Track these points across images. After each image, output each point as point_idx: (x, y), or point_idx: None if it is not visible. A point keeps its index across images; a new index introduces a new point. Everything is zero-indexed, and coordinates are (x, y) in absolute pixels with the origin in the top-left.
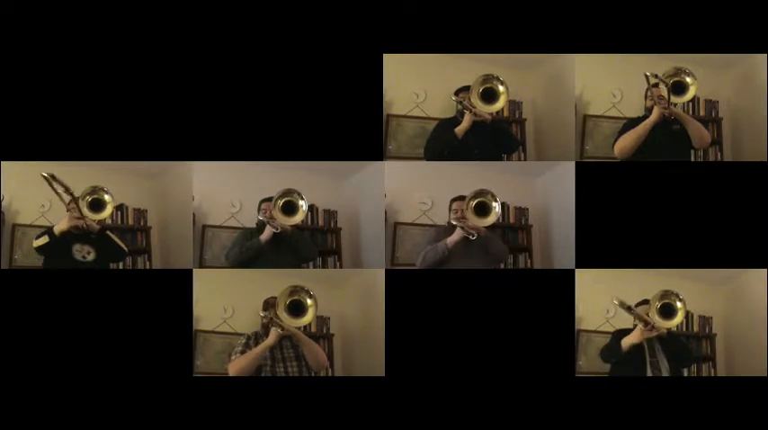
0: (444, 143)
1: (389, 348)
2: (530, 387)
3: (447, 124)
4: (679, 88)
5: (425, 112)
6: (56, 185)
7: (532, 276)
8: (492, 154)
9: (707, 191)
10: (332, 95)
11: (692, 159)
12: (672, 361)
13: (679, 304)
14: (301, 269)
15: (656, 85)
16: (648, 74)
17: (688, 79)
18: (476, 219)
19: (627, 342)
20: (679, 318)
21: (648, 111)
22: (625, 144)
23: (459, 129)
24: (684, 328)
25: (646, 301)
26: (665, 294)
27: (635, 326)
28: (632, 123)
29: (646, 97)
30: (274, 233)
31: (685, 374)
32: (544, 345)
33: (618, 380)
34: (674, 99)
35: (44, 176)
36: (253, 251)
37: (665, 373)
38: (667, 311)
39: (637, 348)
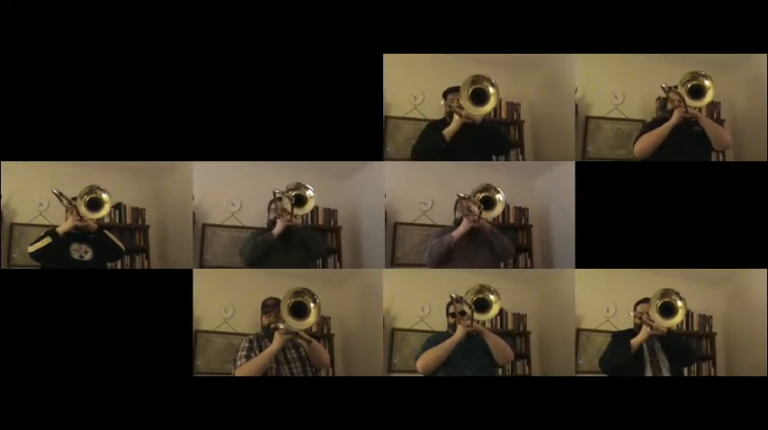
0: (432, 145)
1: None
2: (529, 387)
3: (435, 126)
4: (697, 92)
5: (423, 114)
6: (63, 200)
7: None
8: (482, 156)
9: (707, 191)
10: (332, 95)
11: (713, 160)
12: (672, 360)
13: (679, 303)
14: (301, 269)
15: (674, 88)
16: (664, 86)
17: (706, 82)
18: (483, 212)
19: (635, 342)
20: (679, 316)
21: (669, 113)
22: (645, 145)
23: (448, 132)
24: (685, 327)
25: (646, 300)
26: (666, 293)
27: (636, 325)
28: (653, 124)
29: (666, 100)
30: (286, 226)
31: (685, 374)
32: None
33: (618, 380)
34: (693, 103)
35: (54, 193)
36: (266, 245)
37: (665, 373)
38: (668, 310)
39: (638, 348)
